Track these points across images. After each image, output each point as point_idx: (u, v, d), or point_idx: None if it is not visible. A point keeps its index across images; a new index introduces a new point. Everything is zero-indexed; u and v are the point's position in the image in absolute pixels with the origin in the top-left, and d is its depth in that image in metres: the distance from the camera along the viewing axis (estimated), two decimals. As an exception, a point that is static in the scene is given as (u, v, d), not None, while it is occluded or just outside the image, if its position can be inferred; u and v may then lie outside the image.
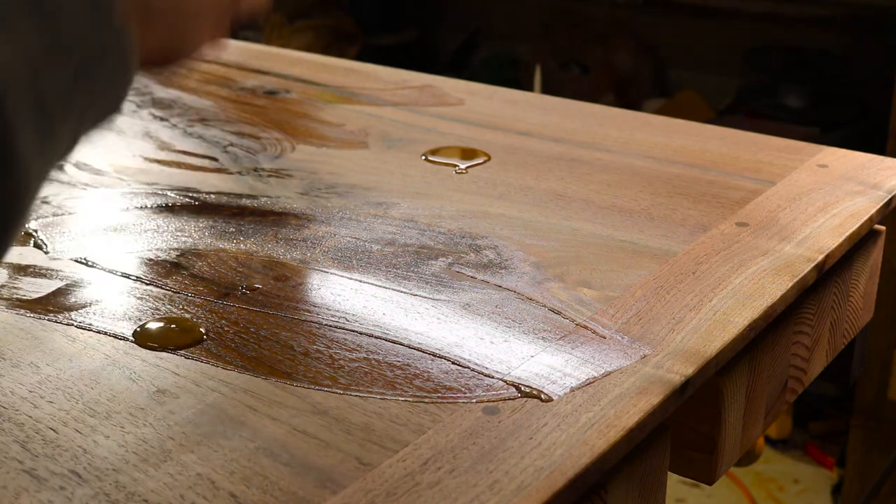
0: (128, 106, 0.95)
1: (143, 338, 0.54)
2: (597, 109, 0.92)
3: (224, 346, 0.53)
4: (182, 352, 0.53)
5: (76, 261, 0.63)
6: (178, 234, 0.67)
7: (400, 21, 2.68)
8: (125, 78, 0.46)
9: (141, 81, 1.02)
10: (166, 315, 0.56)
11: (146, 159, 0.81)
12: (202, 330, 0.54)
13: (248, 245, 0.65)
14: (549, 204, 0.71)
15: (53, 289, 0.59)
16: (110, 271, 0.62)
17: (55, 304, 0.58)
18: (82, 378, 0.50)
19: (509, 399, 0.47)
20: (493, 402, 0.47)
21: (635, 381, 0.48)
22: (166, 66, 0.59)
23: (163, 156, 0.82)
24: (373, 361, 0.51)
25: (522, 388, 0.48)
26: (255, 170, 0.79)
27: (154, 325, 0.55)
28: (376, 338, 0.53)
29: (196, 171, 0.79)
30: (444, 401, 0.47)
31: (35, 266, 0.62)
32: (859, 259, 0.70)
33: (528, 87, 2.30)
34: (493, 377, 0.49)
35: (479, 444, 0.44)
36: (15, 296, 0.59)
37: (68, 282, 0.60)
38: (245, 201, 0.72)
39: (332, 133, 0.87)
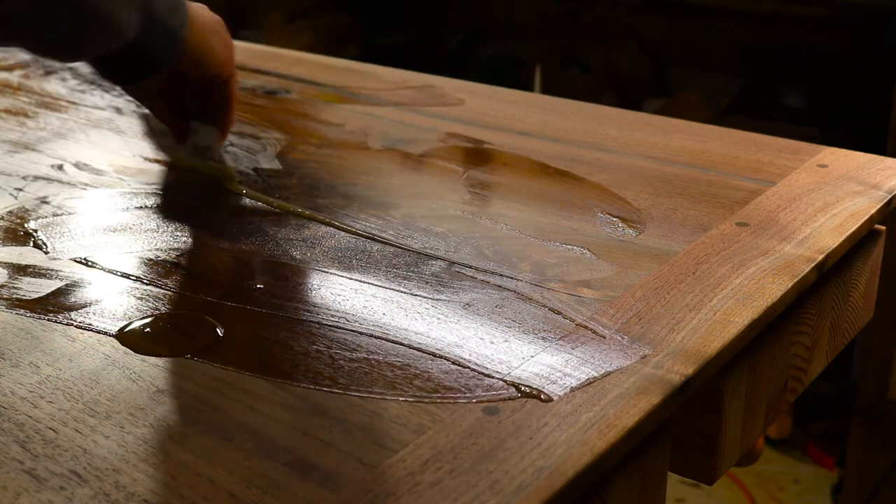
0: (128, 106, 0.95)
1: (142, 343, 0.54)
2: (597, 109, 0.92)
3: (224, 346, 0.53)
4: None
5: (76, 261, 0.63)
6: (178, 234, 0.67)
7: (400, 21, 2.68)
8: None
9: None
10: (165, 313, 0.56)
11: (146, 159, 0.81)
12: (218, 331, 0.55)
13: (248, 245, 0.65)
14: (548, 204, 0.71)
15: (53, 289, 0.59)
16: (110, 271, 0.62)
17: (55, 304, 0.58)
18: (82, 378, 0.50)
19: (509, 399, 0.47)
20: (493, 402, 0.47)
21: (635, 381, 0.48)
22: (194, 69, 0.72)
23: (163, 156, 0.82)
24: (373, 361, 0.51)
25: (522, 388, 0.48)
26: (255, 170, 0.79)
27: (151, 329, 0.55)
28: (376, 338, 0.53)
29: (196, 171, 0.79)
30: (444, 401, 0.47)
31: (35, 266, 0.62)
32: (859, 259, 0.70)
33: (528, 87, 2.30)
34: (493, 377, 0.49)
35: (479, 444, 0.44)
36: (15, 296, 0.59)
37: (68, 282, 0.60)
38: (245, 201, 0.72)
39: (332, 133, 0.87)
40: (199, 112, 0.79)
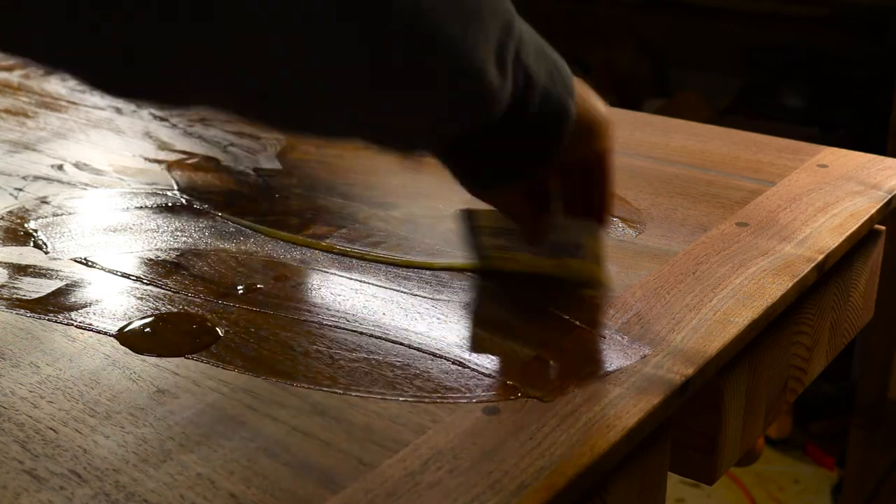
0: (128, 106, 0.95)
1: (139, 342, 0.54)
2: (597, 109, 0.91)
3: (224, 346, 0.53)
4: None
5: (76, 261, 0.63)
6: (178, 234, 0.67)
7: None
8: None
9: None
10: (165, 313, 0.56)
11: (146, 159, 0.81)
12: (218, 330, 0.55)
13: (248, 245, 0.65)
14: (549, 204, 0.70)
15: (53, 289, 0.59)
16: (110, 271, 0.62)
17: (55, 304, 0.58)
18: (82, 378, 0.50)
19: (509, 399, 0.47)
20: (493, 402, 0.47)
21: (635, 381, 0.48)
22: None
23: (163, 156, 0.82)
24: (373, 361, 0.51)
25: (522, 388, 0.48)
26: (255, 170, 0.79)
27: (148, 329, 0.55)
28: (376, 338, 0.53)
29: (196, 171, 0.79)
30: (444, 401, 0.47)
31: (35, 266, 0.62)
32: (859, 259, 0.70)
33: (528, 87, 2.29)
34: (493, 377, 0.49)
35: (479, 444, 0.44)
36: (15, 296, 0.59)
37: (68, 282, 0.60)
38: (245, 201, 0.72)
39: (332, 133, 0.87)
40: (556, 200, 0.58)
